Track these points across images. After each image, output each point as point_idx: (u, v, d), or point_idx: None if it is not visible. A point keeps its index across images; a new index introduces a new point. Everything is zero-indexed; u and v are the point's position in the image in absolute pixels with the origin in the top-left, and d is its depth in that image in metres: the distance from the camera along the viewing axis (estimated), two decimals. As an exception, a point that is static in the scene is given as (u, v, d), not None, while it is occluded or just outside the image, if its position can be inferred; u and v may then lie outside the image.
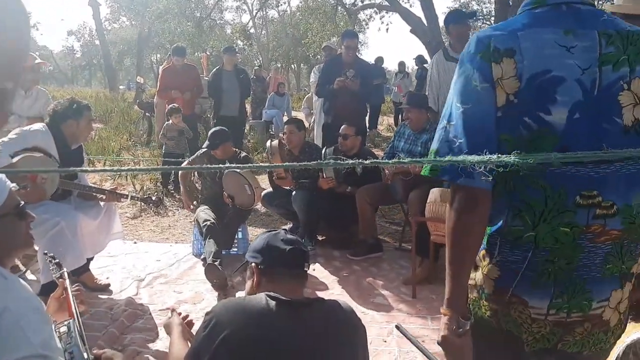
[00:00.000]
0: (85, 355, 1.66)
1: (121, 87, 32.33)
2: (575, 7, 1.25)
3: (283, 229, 1.80)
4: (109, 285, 3.84)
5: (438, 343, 1.28)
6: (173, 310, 2.10)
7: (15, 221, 1.64)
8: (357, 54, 5.89)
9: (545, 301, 1.27)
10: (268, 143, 5.28)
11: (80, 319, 1.88)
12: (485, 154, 1.09)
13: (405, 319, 3.40)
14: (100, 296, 3.69)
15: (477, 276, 1.36)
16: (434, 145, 1.28)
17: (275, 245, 1.68)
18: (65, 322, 1.70)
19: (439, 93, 4.84)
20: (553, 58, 1.19)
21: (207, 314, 1.53)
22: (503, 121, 1.22)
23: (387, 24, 14.71)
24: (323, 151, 4.92)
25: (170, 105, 6.79)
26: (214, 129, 4.69)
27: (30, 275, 3.93)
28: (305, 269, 1.70)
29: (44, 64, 4.79)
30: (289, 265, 1.66)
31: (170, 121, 6.66)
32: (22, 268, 4.05)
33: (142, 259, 4.46)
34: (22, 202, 1.66)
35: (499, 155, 1.04)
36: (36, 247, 3.57)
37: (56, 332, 1.65)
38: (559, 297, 1.26)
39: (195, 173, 4.68)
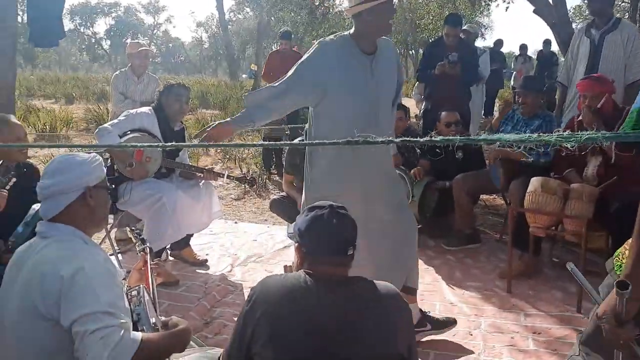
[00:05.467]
0: (153, 320, 1.77)
1: (243, 75, 33.87)
2: None
3: (330, 204, 1.65)
4: (206, 260, 4.06)
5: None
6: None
7: (106, 194, 1.83)
8: (464, 37, 5.67)
9: None
10: None
11: (155, 289, 2.03)
12: None
13: (496, 314, 3.22)
14: (197, 270, 3.91)
15: None
16: None
17: (316, 230, 1.62)
18: (136, 287, 1.83)
19: (574, 67, 4.56)
20: None
21: (251, 289, 1.62)
22: None
23: (508, 3, 13.89)
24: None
25: None
26: None
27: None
28: (349, 253, 1.63)
29: (149, 52, 5.10)
30: (329, 253, 1.62)
31: None
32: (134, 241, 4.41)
33: (240, 238, 4.66)
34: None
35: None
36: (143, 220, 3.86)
37: (127, 295, 1.79)
38: None
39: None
